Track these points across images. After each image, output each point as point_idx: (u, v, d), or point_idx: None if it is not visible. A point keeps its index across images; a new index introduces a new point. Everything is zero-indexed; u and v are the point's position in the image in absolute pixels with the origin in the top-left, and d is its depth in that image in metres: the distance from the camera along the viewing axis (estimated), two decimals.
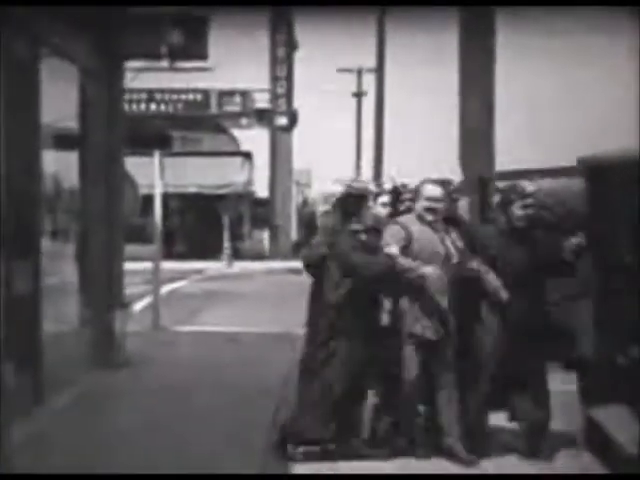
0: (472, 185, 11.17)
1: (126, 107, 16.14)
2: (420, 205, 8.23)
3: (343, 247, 8.06)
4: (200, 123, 39.13)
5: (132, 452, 8.24)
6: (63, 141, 11.22)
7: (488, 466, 7.96)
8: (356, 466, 7.92)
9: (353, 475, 7.80)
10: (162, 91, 38.47)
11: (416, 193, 8.33)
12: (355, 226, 8.15)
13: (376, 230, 8.22)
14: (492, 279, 8.03)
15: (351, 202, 8.17)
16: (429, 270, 7.94)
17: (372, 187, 8.75)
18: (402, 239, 8.06)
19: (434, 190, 8.22)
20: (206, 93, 39.03)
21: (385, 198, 8.71)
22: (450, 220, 8.40)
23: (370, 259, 8.02)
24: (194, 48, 13.70)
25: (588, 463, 7.98)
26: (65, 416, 9.54)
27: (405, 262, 7.99)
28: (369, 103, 45.63)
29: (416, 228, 8.16)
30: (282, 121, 40.36)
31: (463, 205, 9.63)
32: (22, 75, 9.33)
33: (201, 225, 38.54)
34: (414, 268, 7.96)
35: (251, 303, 22.28)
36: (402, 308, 8.10)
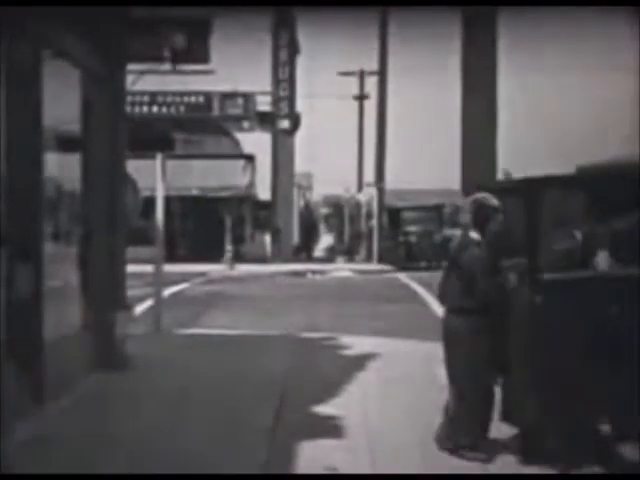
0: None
1: (128, 110, 16.13)
2: None
3: None
4: (202, 126, 39.14)
5: (130, 455, 8.26)
6: (65, 143, 11.22)
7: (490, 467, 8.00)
8: None
9: (353, 475, 7.83)
10: (164, 94, 38.50)
11: None
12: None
13: None
14: None
15: None
16: None
17: None
18: None
19: None
20: (208, 96, 39.05)
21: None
22: None
23: None
24: (196, 51, 13.73)
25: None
26: (65, 418, 9.54)
27: None
28: (371, 106, 45.76)
29: None
30: (284, 124, 40.37)
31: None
32: (24, 78, 9.34)
33: (203, 228, 38.52)
34: None
35: (253, 306, 22.26)
36: None
